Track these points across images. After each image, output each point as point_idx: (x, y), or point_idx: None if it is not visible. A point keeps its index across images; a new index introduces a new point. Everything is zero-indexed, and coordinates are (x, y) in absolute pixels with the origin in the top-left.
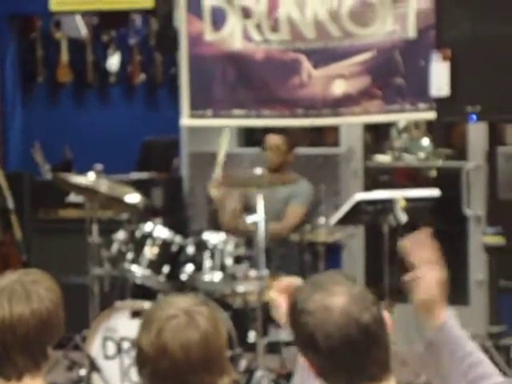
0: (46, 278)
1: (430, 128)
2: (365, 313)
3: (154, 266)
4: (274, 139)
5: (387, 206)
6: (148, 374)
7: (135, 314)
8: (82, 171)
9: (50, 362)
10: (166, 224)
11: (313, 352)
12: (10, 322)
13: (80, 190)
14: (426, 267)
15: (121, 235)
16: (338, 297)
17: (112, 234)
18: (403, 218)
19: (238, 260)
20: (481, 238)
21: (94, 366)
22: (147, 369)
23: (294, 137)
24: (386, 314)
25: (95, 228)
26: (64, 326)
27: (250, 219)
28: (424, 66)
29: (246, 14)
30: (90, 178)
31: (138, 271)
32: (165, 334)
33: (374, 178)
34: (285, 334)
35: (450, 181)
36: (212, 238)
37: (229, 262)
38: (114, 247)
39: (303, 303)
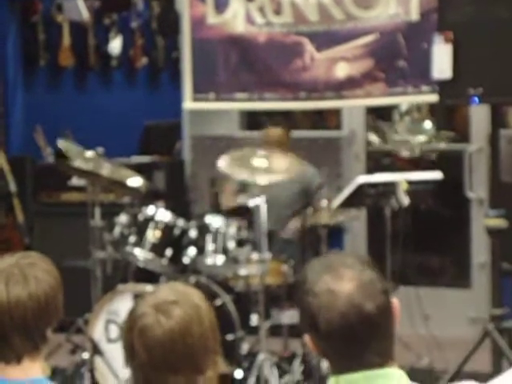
0: (44, 260)
1: (433, 111)
2: (369, 302)
3: (157, 249)
4: (274, 133)
5: (389, 188)
6: (128, 365)
7: (138, 297)
8: None
9: (49, 345)
10: (168, 207)
11: (314, 333)
12: (8, 305)
13: (82, 173)
14: None
15: (123, 219)
16: (346, 282)
17: (114, 217)
18: (405, 200)
19: (240, 243)
20: (483, 221)
21: (96, 350)
22: (126, 362)
23: (291, 121)
24: (395, 303)
25: (97, 211)
26: (64, 309)
27: (251, 202)
28: (427, 49)
29: None
30: (89, 156)
31: (141, 254)
32: (133, 333)
33: (376, 161)
34: (287, 317)
35: (452, 163)
36: (214, 221)
37: (231, 245)
38: (117, 230)
39: (311, 283)
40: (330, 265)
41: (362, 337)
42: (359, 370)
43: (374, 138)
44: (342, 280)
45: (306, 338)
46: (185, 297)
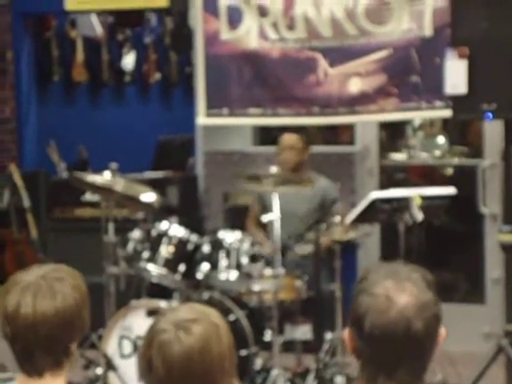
0: (73, 275)
1: (446, 126)
2: (420, 321)
3: (170, 264)
4: (289, 139)
5: (403, 204)
6: (144, 381)
7: (151, 312)
8: (98, 170)
9: (72, 359)
10: (181, 223)
11: (357, 331)
12: (33, 320)
13: (96, 188)
14: None
15: (136, 234)
16: (405, 295)
17: (128, 232)
18: (419, 216)
19: (253, 259)
20: (497, 236)
21: (110, 365)
22: (142, 378)
23: (309, 135)
24: (442, 332)
25: (111, 227)
26: (88, 324)
27: (265, 218)
28: (440, 64)
29: (262, 12)
30: (105, 177)
31: (154, 270)
32: (152, 349)
33: (390, 177)
34: (300, 333)
35: (465, 179)
36: (228, 236)
37: (244, 260)
38: (130, 246)
39: (370, 283)
40: (396, 273)
41: (402, 351)
42: (386, 383)
43: (400, 156)
44: (403, 291)
45: (346, 332)
46: (204, 315)
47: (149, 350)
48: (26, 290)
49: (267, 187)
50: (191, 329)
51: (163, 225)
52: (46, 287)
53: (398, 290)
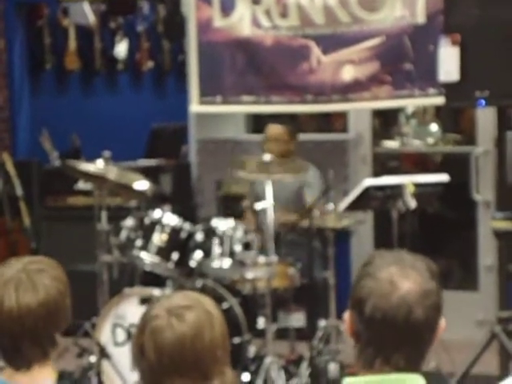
0: (52, 265)
1: (439, 113)
2: (421, 309)
3: (163, 252)
4: (274, 130)
5: (396, 191)
6: (136, 368)
7: (144, 300)
8: (91, 158)
9: (58, 348)
10: (174, 211)
11: (357, 314)
12: (18, 313)
13: (88, 177)
14: None
15: (129, 222)
16: (409, 282)
17: (121, 221)
18: (412, 203)
19: (246, 246)
20: (490, 223)
21: (103, 353)
22: (135, 363)
23: (297, 124)
24: (442, 324)
25: (104, 215)
26: (72, 313)
27: (258, 206)
28: (433, 52)
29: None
30: (98, 166)
31: (147, 258)
32: (144, 335)
33: (383, 164)
34: (294, 320)
35: (458, 166)
36: (221, 224)
37: (238, 248)
38: (123, 234)
39: (375, 268)
40: (401, 260)
41: (401, 337)
42: (383, 367)
43: (393, 143)
44: (406, 278)
45: (346, 315)
46: (198, 303)
47: (141, 336)
48: (7, 284)
49: (260, 175)
50: (184, 316)
51: (156, 213)
52: (27, 280)
53: (402, 276)
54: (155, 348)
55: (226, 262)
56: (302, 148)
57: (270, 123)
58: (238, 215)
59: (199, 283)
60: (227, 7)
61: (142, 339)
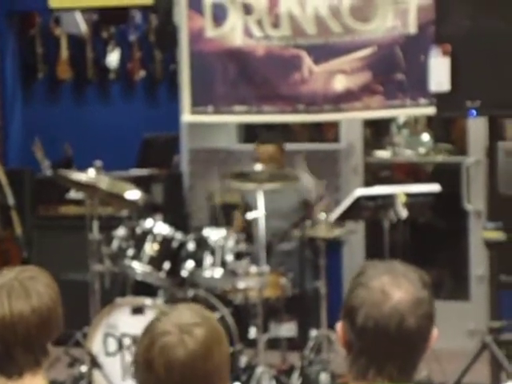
0: (44, 274)
1: (430, 123)
2: (413, 318)
3: (155, 262)
4: (265, 150)
5: (387, 201)
6: (138, 381)
7: (136, 310)
8: (83, 168)
9: (49, 358)
10: (166, 220)
11: (349, 324)
12: (11, 320)
13: (80, 186)
14: None
15: (121, 232)
16: (401, 291)
17: (112, 230)
18: (403, 213)
19: (238, 256)
20: (481, 233)
21: (95, 363)
22: (138, 377)
23: (290, 133)
24: (434, 333)
25: (95, 224)
26: (63, 323)
27: (250, 216)
28: (424, 62)
29: (247, 10)
30: (90, 175)
31: (139, 267)
32: (153, 350)
33: (374, 174)
34: (285, 330)
35: (450, 176)
36: (212, 234)
37: (229, 258)
38: (115, 244)
39: (367, 277)
40: (393, 270)
41: (393, 346)
42: (376, 377)
43: (384, 153)
44: (398, 288)
45: (338, 325)
46: (207, 319)
47: (149, 351)
48: None
49: (252, 185)
50: (195, 332)
51: (148, 222)
52: (20, 287)
53: (395, 286)
54: (166, 364)
55: (218, 272)
56: (294, 158)
57: (260, 140)
58: (229, 224)
59: (191, 293)
60: (219, 17)
61: (150, 355)
